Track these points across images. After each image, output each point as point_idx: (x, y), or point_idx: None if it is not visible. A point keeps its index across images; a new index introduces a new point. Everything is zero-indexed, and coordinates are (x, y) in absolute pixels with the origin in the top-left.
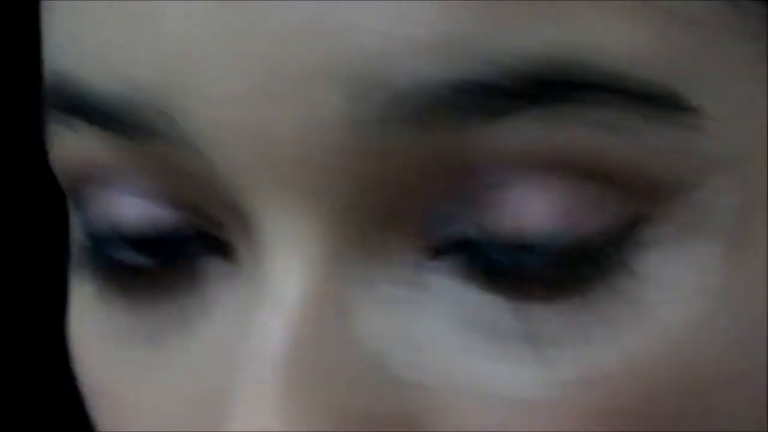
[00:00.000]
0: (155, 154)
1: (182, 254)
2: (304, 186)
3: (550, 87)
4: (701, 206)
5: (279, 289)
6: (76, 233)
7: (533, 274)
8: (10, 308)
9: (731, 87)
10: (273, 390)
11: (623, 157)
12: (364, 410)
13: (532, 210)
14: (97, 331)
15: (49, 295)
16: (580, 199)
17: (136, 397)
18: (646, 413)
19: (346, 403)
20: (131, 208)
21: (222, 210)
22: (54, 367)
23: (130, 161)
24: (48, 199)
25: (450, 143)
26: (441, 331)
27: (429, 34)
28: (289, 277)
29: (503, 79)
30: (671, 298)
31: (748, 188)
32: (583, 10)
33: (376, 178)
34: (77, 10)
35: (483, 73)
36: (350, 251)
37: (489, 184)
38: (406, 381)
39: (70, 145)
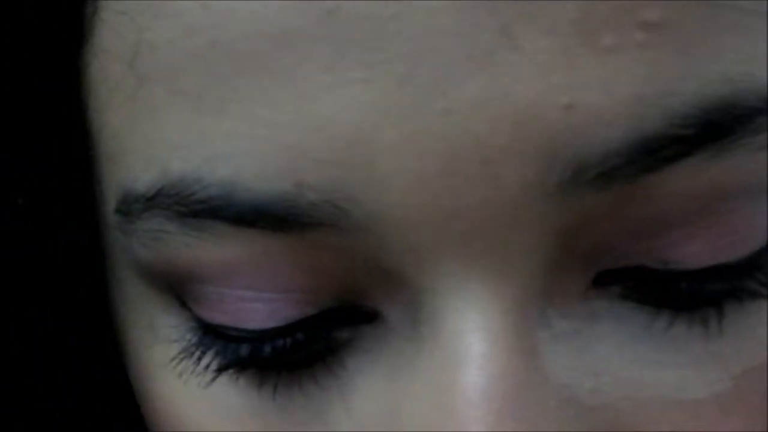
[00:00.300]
0: (306, 242)
1: (321, 331)
2: (485, 251)
3: (716, 126)
4: None
5: (473, 344)
6: (176, 331)
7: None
8: (10, 308)
9: None
10: None
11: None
12: None
13: (695, 245)
14: (213, 412)
15: (50, 295)
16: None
17: None
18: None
19: None
20: (260, 303)
21: (372, 282)
22: (55, 368)
23: (275, 257)
24: (47, 198)
25: (625, 194)
26: (612, 351)
27: (609, 101)
28: (481, 333)
29: (671, 129)
30: None
31: None
32: (734, 40)
33: (555, 233)
34: (212, 104)
35: (659, 127)
36: (527, 299)
37: (657, 224)
38: (590, 406)
39: (197, 246)
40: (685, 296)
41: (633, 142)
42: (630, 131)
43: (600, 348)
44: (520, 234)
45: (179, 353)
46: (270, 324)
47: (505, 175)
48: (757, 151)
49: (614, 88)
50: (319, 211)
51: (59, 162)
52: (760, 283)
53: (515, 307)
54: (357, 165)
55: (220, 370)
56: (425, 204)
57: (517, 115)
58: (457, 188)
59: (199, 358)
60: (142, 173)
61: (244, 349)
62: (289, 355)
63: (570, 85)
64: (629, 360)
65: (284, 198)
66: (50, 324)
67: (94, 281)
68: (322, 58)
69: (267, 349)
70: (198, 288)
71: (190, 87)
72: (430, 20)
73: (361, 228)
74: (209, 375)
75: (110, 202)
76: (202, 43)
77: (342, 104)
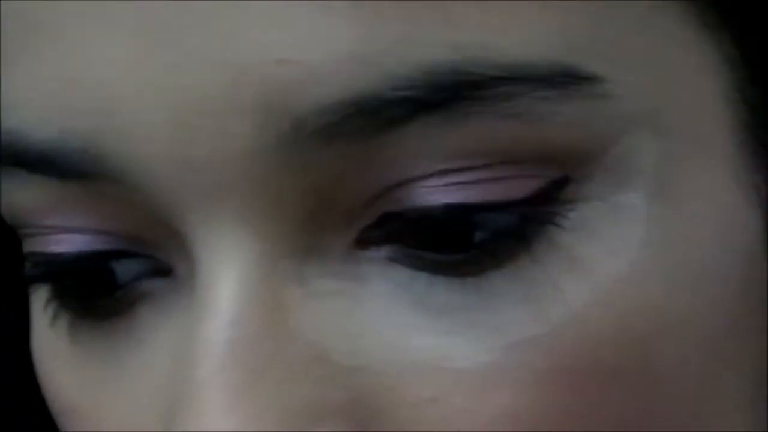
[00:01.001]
0: (93, 193)
1: (126, 278)
2: (229, 203)
3: (441, 90)
4: (619, 162)
5: (213, 296)
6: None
7: (456, 260)
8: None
9: (624, 47)
10: (214, 392)
11: (534, 139)
12: (305, 401)
13: (451, 196)
14: (60, 349)
15: None
16: (500, 181)
17: (102, 416)
18: (591, 369)
19: (286, 396)
20: (73, 244)
21: (160, 234)
22: None
23: (71, 202)
24: None
25: (354, 155)
26: (376, 314)
27: (324, 58)
28: (222, 284)
29: (394, 91)
30: (603, 251)
31: (664, 140)
32: (465, 10)
33: (295, 189)
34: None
35: (378, 88)
36: (279, 254)
37: (402, 182)
38: (346, 367)
39: (13, 193)
40: (447, 261)
41: (348, 101)
42: (346, 90)
43: (362, 310)
44: (258, 189)
45: (47, 299)
46: (77, 262)
47: (228, 129)
48: (504, 120)
49: (330, 46)
50: (83, 158)
51: None
52: (521, 246)
53: (262, 261)
54: (104, 116)
55: (56, 313)
56: (162, 156)
57: (235, 70)
58: (188, 141)
59: (35, 290)
60: None
61: (56, 290)
62: (93, 299)
63: (284, 40)
64: (393, 324)
65: (55, 145)
66: None
67: None
68: (75, 17)
69: (75, 287)
70: (23, 231)
71: None
72: None
73: (119, 178)
74: (47, 308)
75: None
76: None
77: (90, 57)
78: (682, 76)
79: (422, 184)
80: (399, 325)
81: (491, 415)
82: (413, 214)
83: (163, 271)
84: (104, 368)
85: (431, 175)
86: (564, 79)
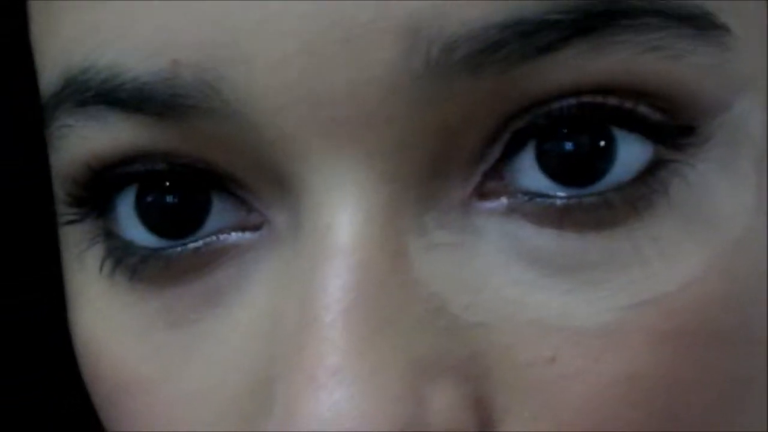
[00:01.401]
0: (192, 131)
1: (203, 232)
2: (356, 141)
3: (594, 17)
4: (736, 123)
5: (338, 237)
6: (79, 227)
7: (586, 204)
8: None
9: (752, 9)
10: (345, 335)
11: (668, 76)
12: (427, 351)
13: (581, 139)
14: (117, 314)
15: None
16: (634, 114)
17: (175, 387)
18: (706, 332)
19: (410, 344)
20: (156, 190)
21: (257, 177)
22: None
23: (164, 143)
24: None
25: (500, 84)
26: (495, 269)
27: None
28: (348, 226)
29: (549, 14)
30: (723, 213)
31: (765, 109)
32: None
33: (426, 126)
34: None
35: (528, 11)
36: (402, 200)
37: (536, 120)
38: (465, 321)
39: (92, 137)
40: (576, 208)
41: (503, 24)
42: (500, 13)
43: (480, 263)
44: (390, 123)
45: (104, 257)
46: (161, 208)
47: (368, 56)
48: (644, 53)
49: None
50: (195, 90)
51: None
52: (659, 192)
53: (387, 205)
54: (224, 44)
55: (116, 267)
56: (289, 85)
57: None
58: (320, 69)
59: (108, 259)
60: (51, 74)
61: (114, 245)
62: (175, 256)
63: None
64: (512, 280)
65: (163, 77)
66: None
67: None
68: None
69: (160, 247)
70: (105, 182)
71: None
72: None
73: (235, 112)
74: (102, 279)
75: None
76: None
77: None
78: None
79: (557, 105)
80: (517, 282)
81: (609, 376)
82: (542, 137)
83: (252, 225)
84: (177, 333)
85: (567, 99)
86: (703, 22)
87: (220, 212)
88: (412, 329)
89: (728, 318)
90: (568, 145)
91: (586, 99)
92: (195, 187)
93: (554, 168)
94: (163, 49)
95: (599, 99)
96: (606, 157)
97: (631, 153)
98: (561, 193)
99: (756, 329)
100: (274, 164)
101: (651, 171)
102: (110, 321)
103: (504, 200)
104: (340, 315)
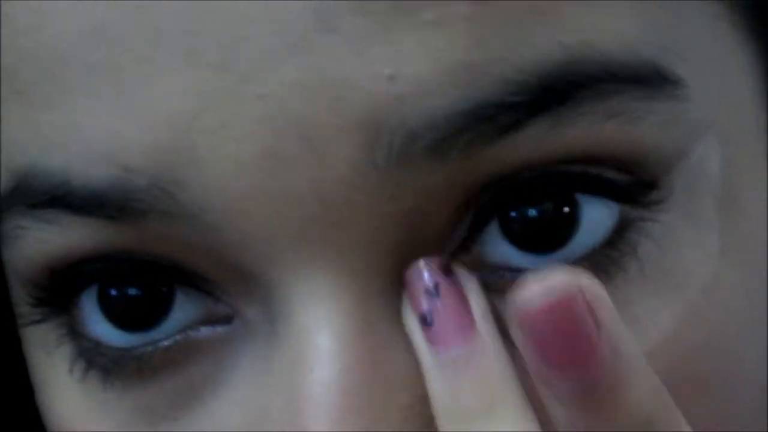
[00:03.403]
0: (149, 232)
1: (170, 327)
2: (323, 240)
3: (553, 93)
4: (695, 170)
5: (319, 341)
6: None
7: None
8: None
9: (700, 53)
10: None
11: (628, 139)
12: None
13: (545, 206)
14: (98, 419)
15: None
16: (598, 180)
17: None
18: (685, 384)
19: None
20: (118, 283)
21: (224, 276)
22: None
23: (121, 244)
24: None
25: (464, 167)
26: None
27: (434, 69)
28: (327, 329)
29: (508, 96)
30: (689, 263)
31: (728, 149)
32: (572, 10)
33: (394, 216)
34: (42, 100)
35: (488, 96)
36: (375, 292)
37: (500, 193)
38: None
39: (48, 240)
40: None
41: (463, 110)
42: (460, 99)
43: None
44: (358, 219)
45: (74, 358)
46: (124, 308)
47: (330, 154)
48: (604, 121)
49: (439, 57)
50: (149, 195)
51: None
52: (628, 254)
53: (362, 301)
54: (179, 150)
55: (88, 369)
56: (249, 189)
57: (336, 91)
58: (280, 171)
59: (78, 360)
60: (2, 174)
61: (83, 346)
62: (147, 355)
63: (390, 57)
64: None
65: (114, 183)
66: None
67: None
68: (137, 49)
69: (130, 347)
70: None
71: (22, 86)
72: (243, 9)
73: (192, 215)
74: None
75: None
76: (29, 44)
77: (160, 92)
78: (733, 81)
79: (519, 177)
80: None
81: None
82: (506, 208)
83: (220, 317)
84: (156, 429)
85: (531, 173)
86: (655, 79)
87: (185, 303)
88: (401, 424)
89: (706, 366)
90: (532, 212)
91: (549, 169)
92: (158, 279)
93: (521, 237)
94: (113, 155)
95: (563, 167)
96: (571, 222)
97: (596, 216)
98: (532, 263)
99: (739, 372)
100: (240, 264)
101: (618, 233)
102: (86, 418)
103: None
104: (328, 422)
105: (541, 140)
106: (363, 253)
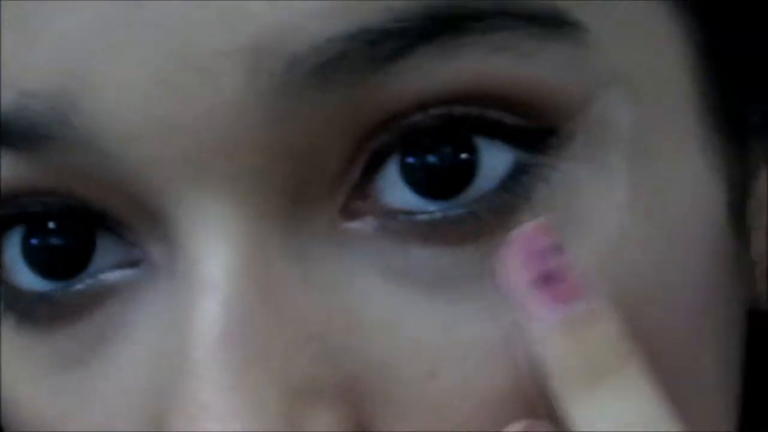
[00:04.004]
0: (53, 164)
1: (87, 273)
2: (215, 169)
3: (438, 22)
4: (601, 120)
5: (206, 272)
6: None
7: (452, 218)
8: None
9: (608, 4)
10: (216, 371)
11: (521, 77)
12: (302, 378)
13: (444, 152)
14: (15, 363)
15: None
16: (494, 120)
17: (75, 429)
18: None
19: (284, 373)
20: (41, 232)
21: (130, 211)
22: None
23: (31, 180)
24: None
25: (351, 98)
26: (369, 290)
27: None
28: (214, 260)
29: (392, 22)
30: (594, 213)
31: (637, 104)
32: None
33: (284, 147)
34: None
35: (372, 22)
36: (268, 227)
37: (395, 135)
38: (342, 345)
39: None
40: (442, 222)
41: (345, 34)
42: (342, 23)
43: (354, 285)
44: (246, 149)
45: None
46: (39, 251)
47: (217, 81)
48: (493, 54)
49: None
50: (47, 120)
51: None
52: (521, 199)
53: (253, 234)
54: (75, 75)
55: (3, 313)
56: (140, 115)
57: (222, 16)
58: (173, 99)
59: (6, 305)
60: None
61: (18, 281)
62: (60, 301)
63: None
64: (387, 299)
65: (15, 108)
66: None
67: None
68: None
69: (46, 291)
70: None
71: None
72: None
73: (90, 142)
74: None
75: None
76: None
77: (59, 18)
78: (653, 45)
79: (414, 119)
80: (393, 301)
81: (493, 388)
82: (403, 152)
83: (132, 261)
84: (71, 375)
85: (424, 110)
86: (552, 20)
87: (104, 251)
88: (285, 358)
89: None
90: (431, 158)
91: (443, 110)
92: (79, 227)
93: (419, 182)
94: (11, 80)
95: (458, 109)
96: (469, 168)
97: (494, 161)
98: (430, 208)
99: (642, 336)
100: (140, 197)
101: (513, 177)
102: (8, 366)
103: (371, 220)
104: (210, 351)
105: (428, 71)
106: (253, 185)
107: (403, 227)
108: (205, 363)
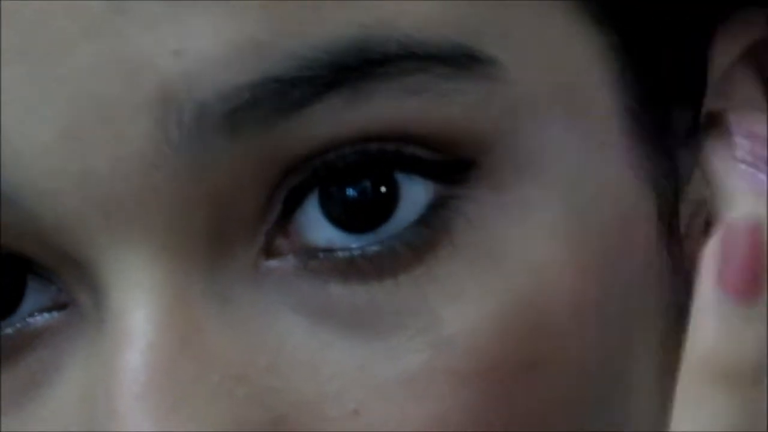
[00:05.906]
0: None
1: (17, 316)
2: (132, 219)
3: (346, 70)
4: (521, 150)
5: (128, 322)
6: None
7: (370, 254)
8: None
9: (518, 35)
10: (138, 420)
11: (435, 117)
12: (227, 422)
13: (363, 185)
14: None
15: None
16: (410, 159)
17: None
18: (500, 367)
19: (208, 417)
20: None
21: (56, 261)
22: None
23: None
24: None
25: (261, 143)
26: (290, 329)
27: (220, 44)
28: (133, 309)
29: (298, 71)
30: (516, 244)
31: (565, 129)
32: None
33: (199, 194)
34: None
35: (278, 70)
36: (188, 272)
37: (312, 173)
38: (266, 386)
39: None
40: (361, 259)
41: (250, 83)
42: (247, 72)
43: (276, 325)
44: (160, 199)
45: None
46: None
47: (128, 133)
48: (405, 98)
49: (226, 33)
50: None
51: None
52: (441, 233)
53: (173, 281)
54: None
55: None
56: (54, 171)
57: (129, 69)
58: (82, 152)
59: None
60: None
61: None
62: None
63: (178, 33)
64: (308, 338)
65: None
66: None
67: None
68: None
69: None
70: None
71: None
72: (41, 2)
73: (8, 198)
74: None
75: None
76: None
77: None
78: (574, 66)
79: (329, 158)
80: (314, 339)
81: (416, 424)
82: (322, 188)
83: (61, 304)
84: (8, 419)
85: (338, 149)
86: (462, 59)
87: (34, 293)
88: (208, 402)
89: (537, 348)
90: (350, 192)
91: (357, 148)
92: (10, 271)
93: (339, 217)
94: None
95: (373, 146)
96: (389, 201)
97: (413, 195)
98: (352, 244)
99: (569, 354)
100: (65, 249)
101: (432, 212)
102: None
103: (292, 258)
104: (134, 400)
105: (339, 116)
106: (170, 232)
107: (322, 265)
108: (131, 412)
